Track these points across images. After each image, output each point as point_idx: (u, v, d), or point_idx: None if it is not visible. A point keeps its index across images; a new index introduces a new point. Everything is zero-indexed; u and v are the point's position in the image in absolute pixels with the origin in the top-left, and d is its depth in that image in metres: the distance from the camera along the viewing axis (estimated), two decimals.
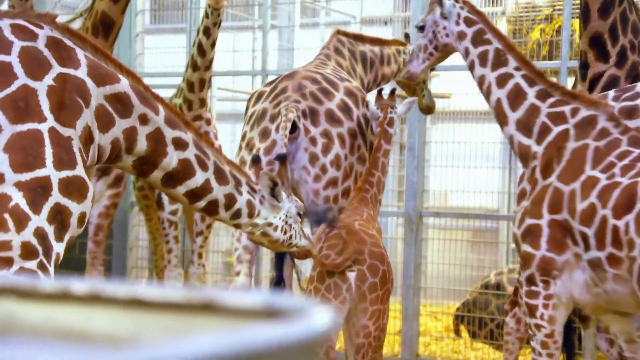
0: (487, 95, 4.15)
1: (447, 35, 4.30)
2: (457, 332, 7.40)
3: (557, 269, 3.70)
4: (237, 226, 3.69)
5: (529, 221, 3.80)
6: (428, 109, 6.08)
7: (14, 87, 2.89)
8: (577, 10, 8.05)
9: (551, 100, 3.94)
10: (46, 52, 3.03)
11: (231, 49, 8.78)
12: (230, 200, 3.53)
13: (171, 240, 6.01)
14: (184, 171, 3.39)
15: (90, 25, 4.99)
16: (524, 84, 4.02)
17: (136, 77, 3.31)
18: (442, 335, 7.55)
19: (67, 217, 2.95)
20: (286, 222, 3.69)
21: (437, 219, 7.70)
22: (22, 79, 2.92)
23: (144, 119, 3.28)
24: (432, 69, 5.89)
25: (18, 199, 2.84)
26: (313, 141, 4.38)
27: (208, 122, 6.14)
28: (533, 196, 3.82)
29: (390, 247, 9.08)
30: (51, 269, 2.93)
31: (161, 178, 3.39)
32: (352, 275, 3.95)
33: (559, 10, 8.10)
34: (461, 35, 4.23)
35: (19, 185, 2.83)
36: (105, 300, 1.15)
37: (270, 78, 7.82)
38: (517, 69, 4.05)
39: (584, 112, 3.82)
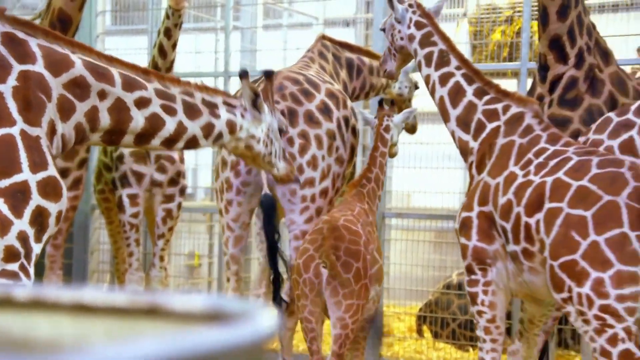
0: (432, 93, 4.38)
1: (401, 39, 4.51)
2: (420, 333, 7.44)
3: (490, 257, 3.91)
4: (222, 146, 3.77)
5: (463, 214, 4.04)
6: (413, 128, 6.32)
7: None
8: (537, 12, 8.14)
9: (486, 97, 4.17)
10: (3, 50, 3.03)
11: (193, 51, 8.73)
12: (208, 130, 3.59)
13: (132, 243, 5.95)
14: (153, 126, 3.44)
15: (47, 24, 4.93)
16: (463, 82, 4.25)
17: (87, 48, 3.34)
18: (405, 336, 7.58)
19: (46, 218, 3.01)
20: (268, 136, 3.76)
21: (400, 220, 7.72)
22: None
23: (102, 95, 3.31)
24: (417, 87, 6.06)
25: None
26: (290, 141, 4.43)
27: None
28: (469, 191, 4.10)
29: None
30: (31, 270, 2.98)
31: (133, 140, 3.45)
32: (324, 271, 4.07)
33: (519, 12, 8.18)
34: (411, 38, 4.45)
35: None
36: (47, 305, 1.13)
37: (233, 80, 7.80)
38: (457, 68, 4.28)
39: (513, 109, 4.07)
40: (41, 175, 2.98)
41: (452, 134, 4.32)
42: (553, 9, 4.62)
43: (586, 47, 4.74)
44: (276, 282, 4.32)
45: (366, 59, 5.77)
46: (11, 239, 2.89)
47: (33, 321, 1.14)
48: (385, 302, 7.17)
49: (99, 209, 7.04)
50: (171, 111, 3.49)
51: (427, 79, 4.39)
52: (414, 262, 7.45)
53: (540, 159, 3.81)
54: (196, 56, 8.78)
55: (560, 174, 3.65)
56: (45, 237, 3.05)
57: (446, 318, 7.09)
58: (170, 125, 3.49)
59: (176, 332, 1.07)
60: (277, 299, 4.30)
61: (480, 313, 3.97)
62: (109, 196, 6.62)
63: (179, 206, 6.08)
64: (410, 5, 4.49)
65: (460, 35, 9.41)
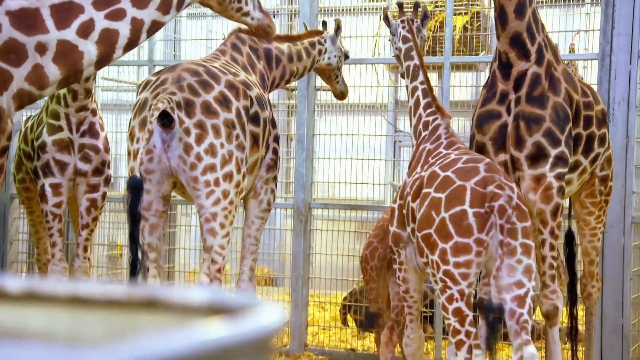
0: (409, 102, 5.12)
1: (396, 49, 5.19)
2: (344, 322, 7.53)
3: (404, 241, 4.63)
4: None
5: (393, 205, 4.83)
6: (342, 95, 6.65)
7: None
8: (460, 7, 8.32)
9: (428, 110, 4.94)
10: None
11: None
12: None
13: (55, 233, 5.80)
14: (110, 45, 3.23)
15: None
16: (421, 96, 4.99)
17: None
18: (329, 325, 7.66)
19: None
20: None
21: (325, 210, 7.79)
22: None
23: (41, 48, 3.11)
24: (347, 57, 6.32)
25: None
26: (187, 131, 4.53)
27: (94, 112, 5.97)
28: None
29: (279, 239, 9.16)
30: None
31: (97, 68, 3.28)
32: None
33: (440, 6, 8.33)
34: (399, 50, 5.14)
35: None
36: (42, 298, 1.13)
37: (157, 68, 7.70)
38: (421, 82, 5.01)
39: (437, 121, 4.87)
40: None
41: (411, 138, 5.08)
42: (510, 7, 4.73)
43: (544, 43, 4.89)
44: (133, 266, 4.32)
45: (284, 46, 5.86)
46: None
47: (27, 314, 1.13)
48: (310, 292, 7.24)
49: (19, 199, 6.87)
50: (119, 16, 3.23)
51: (406, 88, 5.11)
52: (338, 252, 7.53)
53: (433, 160, 4.59)
54: None
55: (435, 168, 4.41)
56: None
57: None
58: (124, 30, 3.24)
59: (176, 326, 1.09)
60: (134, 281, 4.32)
61: (398, 285, 4.80)
62: (29, 185, 6.46)
63: (104, 196, 5.99)
64: (402, 21, 5.14)
65: (382, 28, 9.52)
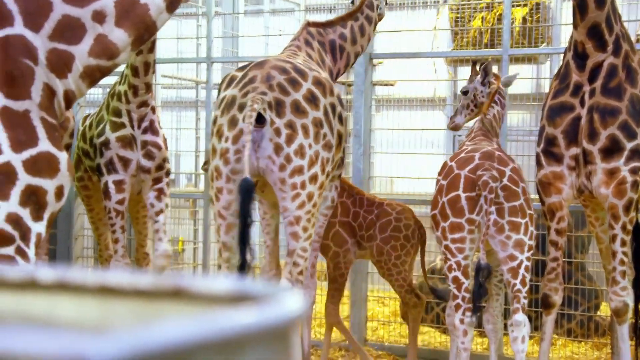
0: None
1: (483, 97, 5.82)
2: (404, 317, 7.50)
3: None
4: None
5: None
6: (380, 17, 6.16)
7: None
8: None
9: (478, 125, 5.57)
10: None
11: (175, 36, 8.69)
12: None
13: (118, 230, 5.89)
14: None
15: None
16: (491, 111, 5.61)
17: None
18: (389, 320, 7.63)
19: (42, 196, 2.83)
20: None
21: None
22: None
23: (98, 16, 2.95)
24: (386, 3, 6.22)
25: None
26: (277, 132, 4.45)
27: (153, 110, 6.05)
28: None
29: None
30: (30, 251, 2.85)
31: (171, 10, 3.10)
32: None
33: None
34: (489, 94, 5.75)
35: None
36: (72, 288, 1.15)
37: (215, 66, 7.78)
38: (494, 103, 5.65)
39: (477, 118, 5.61)
40: (28, 153, 2.77)
41: None
42: None
43: (621, 34, 4.79)
44: (242, 268, 4.32)
45: (346, 31, 5.72)
46: (0, 222, 2.76)
47: (57, 303, 1.15)
48: (370, 287, 7.22)
49: (79, 197, 7.00)
50: None
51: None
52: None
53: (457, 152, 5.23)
54: (178, 42, 8.75)
55: (447, 159, 5.13)
56: (47, 215, 2.87)
57: (430, 302, 7.15)
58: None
59: (202, 314, 1.09)
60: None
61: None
62: (87, 184, 6.58)
63: (168, 185, 6.10)
64: (493, 75, 5.87)
65: (441, 21, 9.44)
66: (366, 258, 6.21)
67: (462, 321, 4.86)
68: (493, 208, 4.73)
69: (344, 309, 7.41)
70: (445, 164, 5.10)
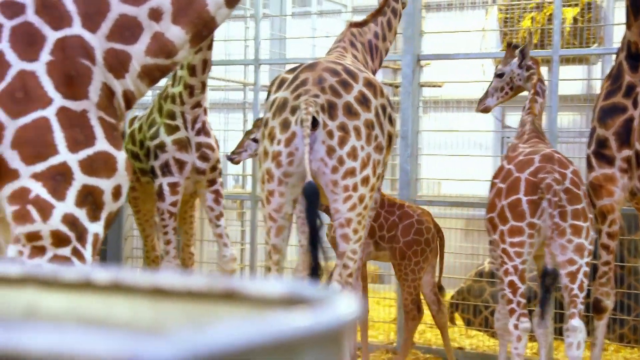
0: None
1: (520, 80, 5.71)
2: (452, 320, 7.44)
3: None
4: None
5: None
6: (403, 5, 5.98)
7: (8, 78, 2.74)
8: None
9: (527, 110, 5.48)
10: (37, 21, 2.80)
11: (223, 38, 8.74)
12: None
13: (170, 231, 5.93)
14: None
15: None
16: (527, 102, 5.51)
17: None
18: None
19: (99, 196, 2.81)
20: None
21: (430, 208, 7.71)
22: (16, 65, 2.75)
23: (155, 14, 2.92)
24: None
25: (37, 189, 2.73)
26: (330, 134, 4.44)
27: (205, 111, 6.09)
28: None
29: None
30: (87, 252, 2.84)
31: (231, 5, 3.02)
32: None
33: None
34: (527, 78, 5.69)
35: (35, 176, 2.73)
36: (126, 289, 1.16)
37: (263, 67, 7.81)
38: (532, 93, 5.52)
39: (527, 118, 5.44)
40: (85, 152, 2.75)
41: None
42: None
43: None
44: (315, 272, 4.33)
45: (378, 28, 5.64)
46: (56, 223, 2.74)
47: (111, 304, 1.16)
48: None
49: (126, 198, 7.06)
50: None
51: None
52: (444, 249, 7.44)
53: (511, 153, 5.14)
54: (226, 44, 8.80)
55: (504, 162, 5.09)
56: (104, 215, 2.84)
57: (478, 306, 7.09)
58: None
59: (255, 317, 1.09)
60: None
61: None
62: (135, 185, 6.64)
63: (222, 185, 6.16)
64: (532, 59, 5.78)
65: (489, 22, 9.35)
66: (381, 260, 6.16)
67: (516, 326, 4.80)
68: (557, 211, 4.67)
69: (392, 312, 7.38)
70: (502, 167, 5.05)
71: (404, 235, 5.74)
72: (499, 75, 5.80)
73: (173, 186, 5.86)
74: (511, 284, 4.79)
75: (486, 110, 5.90)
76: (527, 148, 5.09)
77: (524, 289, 4.81)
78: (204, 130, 5.97)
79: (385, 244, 5.84)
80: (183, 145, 5.88)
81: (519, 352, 4.82)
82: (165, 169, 5.86)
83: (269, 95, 4.79)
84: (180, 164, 5.85)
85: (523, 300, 4.80)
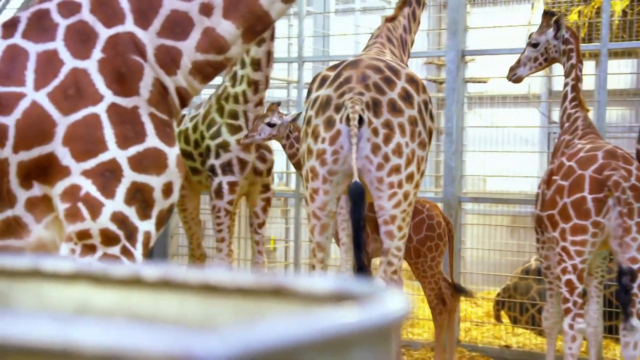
0: None
1: (556, 52, 5.62)
2: (498, 318, 7.37)
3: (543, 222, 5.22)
4: None
5: (538, 191, 5.44)
6: None
7: (61, 76, 2.77)
8: None
9: (573, 103, 5.46)
10: (91, 19, 2.83)
11: None
12: None
13: (225, 229, 5.98)
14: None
15: None
16: (569, 90, 5.49)
17: None
18: (482, 321, 7.52)
19: (148, 194, 2.78)
20: None
21: (475, 205, 7.65)
22: (69, 63, 2.78)
23: (206, 9, 2.89)
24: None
25: (88, 186, 2.72)
26: (375, 132, 4.43)
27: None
28: None
29: None
30: (137, 251, 2.80)
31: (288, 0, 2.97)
32: None
33: None
34: (564, 52, 5.60)
35: (85, 173, 2.72)
36: (175, 285, 1.16)
37: (307, 65, 7.81)
38: (572, 79, 5.49)
39: (577, 113, 5.38)
40: (135, 149, 2.73)
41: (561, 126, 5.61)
42: None
43: None
44: (360, 271, 4.32)
45: (405, 21, 5.58)
46: (105, 221, 2.73)
47: (161, 300, 1.17)
48: None
49: None
50: None
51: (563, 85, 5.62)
52: (490, 246, 7.38)
53: (567, 150, 5.15)
54: None
55: (563, 158, 5.01)
56: (155, 212, 2.81)
57: (525, 303, 7.01)
58: None
59: (304, 313, 1.09)
60: None
61: (540, 262, 5.43)
62: (183, 183, 6.70)
63: (273, 194, 6.21)
64: (566, 27, 5.65)
65: (535, 16, 9.24)
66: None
67: (571, 326, 4.77)
68: (626, 209, 4.61)
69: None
70: (562, 164, 4.98)
71: (416, 233, 5.65)
72: (533, 45, 5.68)
73: (232, 185, 5.91)
74: (569, 283, 4.75)
75: (518, 79, 5.79)
76: (586, 144, 5.02)
77: (581, 289, 4.78)
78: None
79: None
80: (247, 145, 5.92)
81: (573, 352, 4.77)
82: (227, 168, 5.91)
83: (309, 93, 4.78)
84: (243, 164, 5.89)
85: (580, 300, 4.77)
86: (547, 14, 5.72)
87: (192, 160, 6.23)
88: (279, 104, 5.74)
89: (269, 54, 5.84)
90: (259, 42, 5.81)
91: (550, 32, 5.61)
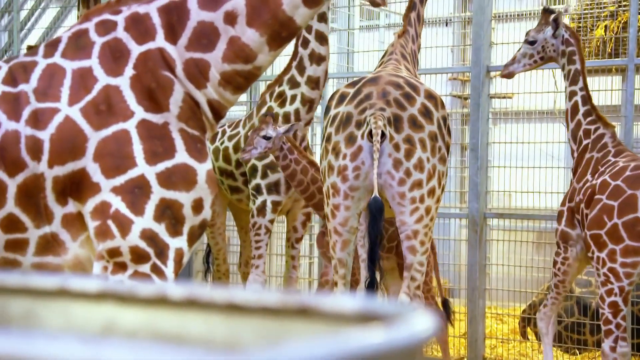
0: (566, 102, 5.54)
1: (554, 51, 5.51)
2: (524, 335, 7.30)
3: (573, 239, 5.22)
4: None
5: (558, 208, 5.45)
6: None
7: (94, 92, 2.80)
8: None
9: (589, 118, 5.30)
10: (124, 36, 2.86)
11: (291, 53, 8.79)
12: None
13: (263, 246, 5.99)
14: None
15: None
16: (580, 102, 5.33)
17: None
18: (508, 338, 7.45)
19: (178, 210, 2.75)
20: None
21: (501, 220, 7.60)
22: (102, 80, 2.82)
23: (230, 18, 2.86)
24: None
25: (117, 203, 2.71)
26: (397, 147, 4.46)
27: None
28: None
29: (454, 249, 9.03)
30: (168, 269, 2.78)
31: (312, 5, 2.89)
32: None
33: (624, 6, 7.93)
34: (563, 53, 5.50)
35: (115, 190, 2.72)
36: (201, 305, 1.16)
37: (331, 81, 7.83)
38: (580, 89, 5.35)
39: (600, 131, 5.24)
40: (163, 165, 2.71)
41: (569, 141, 5.49)
42: None
43: None
44: (371, 286, 4.32)
45: (412, 30, 5.57)
46: (134, 239, 2.71)
47: (187, 320, 1.17)
48: (487, 304, 7.08)
49: None
50: None
51: (565, 89, 5.53)
52: (515, 263, 7.32)
53: (603, 168, 5.06)
54: None
55: (605, 177, 4.93)
56: (186, 229, 2.78)
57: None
58: None
59: (329, 333, 1.08)
60: None
61: (555, 275, 5.41)
62: (217, 200, 6.73)
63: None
64: (565, 26, 5.54)
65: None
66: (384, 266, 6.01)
67: (613, 349, 4.75)
68: None
69: (461, 326, 7.28)
70: (606, 182, 4.92)
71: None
72: (530, 42, 5.58)
73: (276, 204, 5.94)
74: (614, 305, 4.70)
75: (509, 75, 5.72)
76: (629, 162, 4.98)
77: (625, 311, 4.74)
78: (307, 150, 6.04)
79: (385, 253, 5.70)
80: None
81: None
82: (273, 188, 5.93)
83: (328, 110, 4.80)
84: (289, 184, 5.87)
85: (624, 324, 4.72)
86: (546, 11, 5.62)
87: (232, 179, 6.25)
88: (272, 115, 5.66)
89: (326, 73, 5.88)
90: (319, 60, 5.84)
91: (549, 30, 5.52)
